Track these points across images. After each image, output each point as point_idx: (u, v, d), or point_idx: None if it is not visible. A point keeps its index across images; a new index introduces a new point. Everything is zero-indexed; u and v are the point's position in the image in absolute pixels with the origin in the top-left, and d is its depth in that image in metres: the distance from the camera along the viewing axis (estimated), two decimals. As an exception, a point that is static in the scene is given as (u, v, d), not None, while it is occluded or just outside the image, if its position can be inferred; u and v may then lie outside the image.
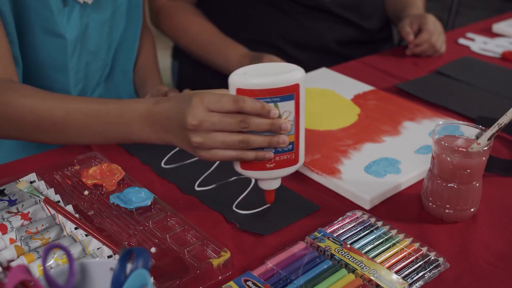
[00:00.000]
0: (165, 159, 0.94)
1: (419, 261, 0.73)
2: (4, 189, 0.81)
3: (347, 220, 0.80)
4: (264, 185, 0.81)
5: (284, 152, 0.77)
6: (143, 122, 0.80)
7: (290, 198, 0.86)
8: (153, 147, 0.88)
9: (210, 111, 0.75)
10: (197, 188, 0.88)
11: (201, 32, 1.36)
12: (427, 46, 1.36)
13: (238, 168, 0.79)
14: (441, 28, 1.39)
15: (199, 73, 1.48)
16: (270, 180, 0.80)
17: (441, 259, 0.74)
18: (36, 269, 0.67)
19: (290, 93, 0.74)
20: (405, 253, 0.74)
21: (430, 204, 0.83)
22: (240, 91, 0.74)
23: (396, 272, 0.71)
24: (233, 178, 0.90)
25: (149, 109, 0.80)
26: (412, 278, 0.70)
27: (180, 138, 0.78)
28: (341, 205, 0.85)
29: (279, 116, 0.75)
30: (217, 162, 0.94)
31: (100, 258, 0.71)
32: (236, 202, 0.85)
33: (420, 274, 0.71)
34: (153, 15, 1.43)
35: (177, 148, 0.96)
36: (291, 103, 0.75)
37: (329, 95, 1.16)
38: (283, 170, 0.79)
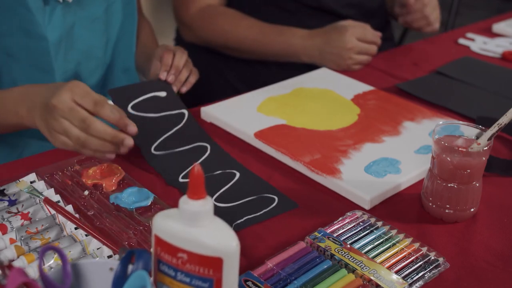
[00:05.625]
0: (156, 143, 0.94)
1: (419, 261, 0.73)
2: (4, 189, 0.81)
3: (347, 220, 0.80)
4: None
5: None
6: (20, 95, 0.87)
7: (269, 194, 0.86)
8: (149, 129, 0.92)
9: (73, 101, 0.79)
10: (181, 180, 0.88)
11: (251, 26, 1.35)
12: (420, 16, 1.37)
13: None
14: (437, 3, 1.40)
15: (199, 73, 1.48)
16: None
17: (441, 259, 0.74)
18: (36, 269, 0.67)
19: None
20: (405, 253, 0.74)
21: (430, 204, 0.83)
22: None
23: (396, 272, 0.71)
24: (218, 172, 0.90)
25: (28, 86, 0.87)
26: (412, 278, 0.70)
27: (41, 116, 0.82)
28: (341, 205, 0.85)
29: None
30: (207, 153, 0.94)
31: (100, 258, 0.71)
32: (216, 195, 0.84)
33: (420, 274, 0.71)
34: (186, 27, 1.42)
35: (170, 133, 0.97)
36: None
37: (329, 95, 1.16)
38: None
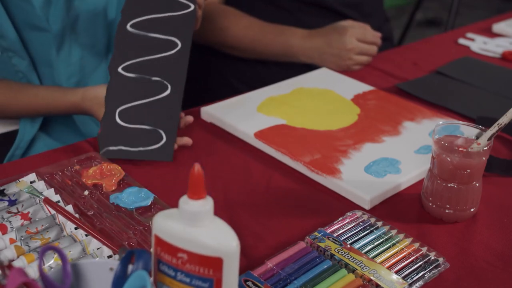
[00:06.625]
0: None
1: (419, 261, 0.73)
2: (4, 189, 0.81)
3: (347, 220, 0.80)
4: None
5: None
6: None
7: (164, 131, 0.88)
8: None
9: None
10: (119, 70, 0.89)
11: (251, 25, 1.35)
12: None
13: None
14: None
15: (198, 74, 1.48)
16: None
17: (441, 259, 0.74)
18: (36, 269, 0.67)
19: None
20: (405, 253, 0.74)
21: (430, 204, 0.83)
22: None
23: (396, 272, 0.71)
24: (155, 78, 0.89)
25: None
26: (412, 278, 0.70)
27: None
28: (341, 205, 0.85)
29: None
30: (169, 52, 0.94)
31: (100, 258, 0.71)
32: (122, 108, 0.85)
33: (420, 274, 0.71)
34: None
35: (159, 15, 0.95)
36: None
37: (329, 95, 1.16)
38: None
